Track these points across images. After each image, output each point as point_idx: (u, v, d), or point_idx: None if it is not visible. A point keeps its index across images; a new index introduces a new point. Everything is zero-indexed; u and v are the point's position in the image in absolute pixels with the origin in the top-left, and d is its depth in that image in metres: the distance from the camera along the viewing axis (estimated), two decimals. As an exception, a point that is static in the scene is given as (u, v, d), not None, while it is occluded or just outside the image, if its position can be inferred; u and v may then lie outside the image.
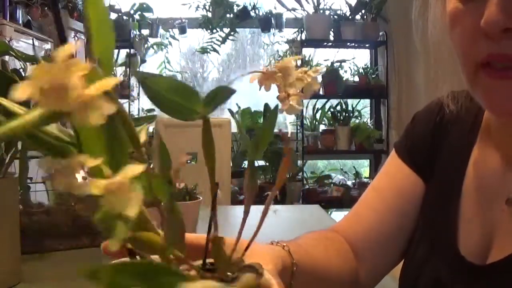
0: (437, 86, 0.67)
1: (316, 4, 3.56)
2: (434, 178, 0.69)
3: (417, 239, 0.68)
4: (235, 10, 3.63)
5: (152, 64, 3.89)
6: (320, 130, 3.68)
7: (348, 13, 3.60)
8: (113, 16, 3.66)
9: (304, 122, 3.62)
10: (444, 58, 0.63)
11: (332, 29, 3.60)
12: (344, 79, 3.64)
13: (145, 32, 3.74)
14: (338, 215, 3.59)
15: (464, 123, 0.68)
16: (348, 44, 3.71)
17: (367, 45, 3.82)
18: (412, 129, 0.74)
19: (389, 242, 0.71)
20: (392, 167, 0.74)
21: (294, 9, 3.66)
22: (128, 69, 3.66)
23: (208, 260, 0.35)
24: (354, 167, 3.83)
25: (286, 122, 4.01)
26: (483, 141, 0.65)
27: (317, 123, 3.70)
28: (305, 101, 3.64)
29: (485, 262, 0.58)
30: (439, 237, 0.64)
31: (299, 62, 3.57)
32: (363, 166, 4.01)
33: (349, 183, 3.71)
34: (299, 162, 3.59)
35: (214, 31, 3.65)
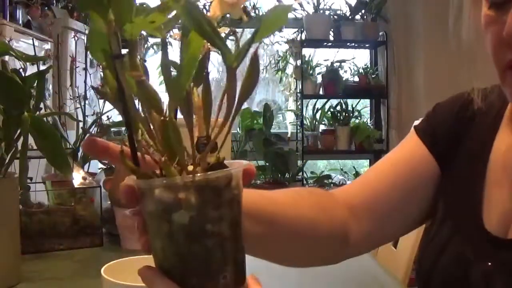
0: (471, 83, 0.72)
1: (316, 4, 3.56)
2: (458, 164, 0.71)
3: (440, 220, 0.70)
4: (235, 10, 3.63)
5: (152, 64, 3.89)
6: (320, 130, 3.68)
7: (348, 13, 3.60)
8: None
9: (304, 122, 3.61)
10: (477, 59, 0.68)
11: (332, 29, 3.60)
12: (344, 79, 3.64)
13: (145, 32, 3.73)
14: (338, 215, 3.58)
15: (487, 115, 0.71)
16: (348, 44, 3.70)
17: (367, 45, 3.82)
18: (434, 115, 0.77)
19: (392, 215, 0.72)
20: (409, 144, 0.76)
21: (294, 9, 3.66)
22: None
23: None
24: (354, 167, 3.83)
25: (286, 122, 4.01)
26: (505, 129, 0.69)
27: (317, 123, 3.70)
28: (305, 101, 3.64)
29: (507, 237, 0.62)
30: (464, 216, 0.67)
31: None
32: (363, 166, 4.01)
33: (349, 183, 3.71)
34: (299, 162, 3.59)
35: (214, 31, 3.64)
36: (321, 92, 3.64)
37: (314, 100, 3.72)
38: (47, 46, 2.91)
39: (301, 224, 0.64)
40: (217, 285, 0.40)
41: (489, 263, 0.61)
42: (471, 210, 0.66)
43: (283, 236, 0.63)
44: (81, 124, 1.36)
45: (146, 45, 3.76)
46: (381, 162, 0.77)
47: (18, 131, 0.84)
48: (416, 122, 1.07)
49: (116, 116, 1.46)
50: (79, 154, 1.31)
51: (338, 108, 3.63)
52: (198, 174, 0.39)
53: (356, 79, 3.66)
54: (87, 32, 3.17)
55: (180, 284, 0.39)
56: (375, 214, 0.72)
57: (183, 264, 0.40)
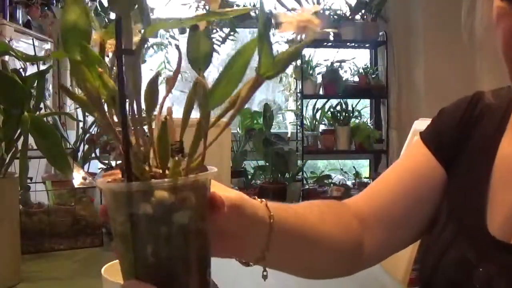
0: (480, 80, 0.70)
1: (316, 4, 3.56)
2: (462, 166, 0.71)
3: (443, 222, 0.69)
4: (235, 10, 3.62)
5: (152, 64, 3.88)
6: (320, 130, 3.68)
7: (348, 13, 3.60)
8: (114, 16, 3.65)
9: (304, 122, 3.61)
10: (489, 54, 0.66)
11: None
12: (344, 79, 3.64)
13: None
14: (338, 215, 3.58)
15: (493, 117, 0.70)
16: (348, 44, 3.71)
17: (367, 45, 3.82)
18: (438, 120, 0.77)
19: (402, 223, 0.72)
20: (415, 151, 0.76)
21: (294, 9, 3.66)
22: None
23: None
24: (354, 167, 3.83)
25: (286, 122, 4.01)
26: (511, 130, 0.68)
27: (317, 123, 3.70)
28: (305, 101, 3.64)
29: (511, 241, 0.61)
30: (468, 218, 0.66)
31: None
32: (363, 166, 4.01)
33: (349, 183, 3.71)
34: (299, 162, 3.59)
35: (214, 31, 3.65)
36: (321, 92, 3.64)
37: (314, 100, 3.72)
38: (47, 46, 2.91)
39: (325, 240, 0.65)
40: (204, 281, 0.42)
41: (493, 267, 0.60)
42: (475, 213, 0.65)
43: (308, 251, 0.63)
44: (81, 124, 1.36)
45: (146, 45, 3.76)
46: (388, 172, 0.76)
47: (18, 131, 0.84)
48: (416, 122, 1.07)
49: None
50: (79, 154, 1.31)
51: (338, 108, 3.64)
52: (199, 174, 0.41)
53: (356, 79, 3.66)
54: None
55: (173, 285, 0.40)
56: (385, 225, 0.71)
57: (178, 265, 0.40)
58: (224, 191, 0.49)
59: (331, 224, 0.66)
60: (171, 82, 0.43)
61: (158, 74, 0.40)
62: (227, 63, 0.40)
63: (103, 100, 0.41)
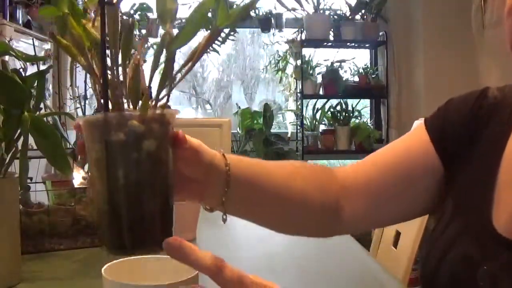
0: (482, 79, 0.69)
1: (316, 4, 3.56)
2: (468, 163, 0.71)
3: (448, 218, 0.69)
4: (235, 10, 3.62)
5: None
6: (320, 130, 3.68)
7: (348, 13, 3.60)
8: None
9: (304, 122, 3.61)
10: (495, 50, 0.65)
11: (332, 29, 3.60)
12: (344, 79, 3.64)
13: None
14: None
15: (501, 114, 0.70)
16: (348, 44, 3.70)
17: (367, 45, 3.82)
18: (445, 111, 0.76)
19: (387, 198, 0.73)
20: (416, 134, 0.76)
21: (294, 9, 3.66)
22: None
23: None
24: (354, 167, 3.83)
25: (286, 122, 4.01)
26: None
27: (317, 123, 3.70)
28: (305, 101, 3.64)
29: None
30: (473, 215, 0.66)
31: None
32: (363, 166, 4.01)
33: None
34: (299, 162, 3.59)
35: (214, 31, 3.64)
36: (321, 92, 3.63)
37: (314, 100, 3.72)
38: (47, 46, 2.91)
39: (291, 192, 0.67)
40: (167, 206, 0.48)
41: (497, 264, 0.60)
42: (481, 210, 0.65)
43: (271, 201, 0.66)
44: (81, 124, 1.36)
45: (146, 45, 3.76)
46: (384, 148, 0.77)
47: (18, 131, 0.84)
48: (416, 122, 1.07)
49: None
50: (79, 154, 1.31)
51: (338, 108, 3.63)
52: (166, 110, 0.48)
53: (356, 79, 3.66)
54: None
55: (140, 206, 0.46)
56: (368, 197, 0.73)
57: (144, 188, 0.46)
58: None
59: (302, 181, 0.68)
60: (146, 35, 0.51)
61: (133, 22, 0.47)
62: (190, 13, 0.48)
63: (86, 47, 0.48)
